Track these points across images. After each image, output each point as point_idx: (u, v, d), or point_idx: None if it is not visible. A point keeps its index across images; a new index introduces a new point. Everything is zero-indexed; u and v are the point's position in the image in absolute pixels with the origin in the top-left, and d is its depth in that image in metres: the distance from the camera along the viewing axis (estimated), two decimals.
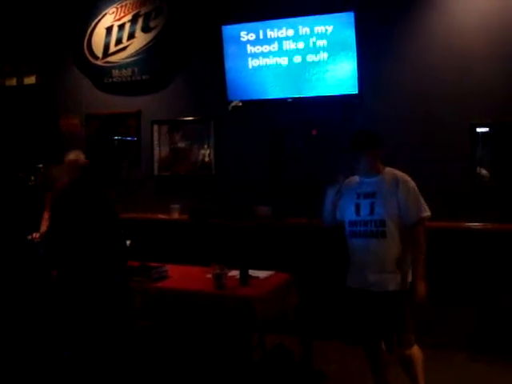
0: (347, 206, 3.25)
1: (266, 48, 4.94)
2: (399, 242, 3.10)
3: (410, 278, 3.12)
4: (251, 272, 3.59)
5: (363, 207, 3.17)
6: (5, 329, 2.03)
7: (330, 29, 4.70)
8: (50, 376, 1.65)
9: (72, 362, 1.68)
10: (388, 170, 3.23)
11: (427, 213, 3.11)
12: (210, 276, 3.46)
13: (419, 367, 3.16)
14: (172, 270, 3.80)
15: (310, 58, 4.79)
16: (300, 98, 4.88)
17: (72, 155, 4.34)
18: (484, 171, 4.50)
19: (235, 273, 3.55)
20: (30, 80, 6.36)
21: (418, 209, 3.09)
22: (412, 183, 3.14)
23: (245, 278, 3.46)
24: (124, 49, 5.66)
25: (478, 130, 4.46)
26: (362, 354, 4.25)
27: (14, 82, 6.46)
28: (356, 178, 3.31)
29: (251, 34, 4.97)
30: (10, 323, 2.36)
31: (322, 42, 4.74)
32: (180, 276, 3.76)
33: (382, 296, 3.10)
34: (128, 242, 2.93)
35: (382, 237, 3.09)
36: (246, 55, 5.01)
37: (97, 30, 5.80)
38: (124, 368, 2.09)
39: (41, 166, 5.51)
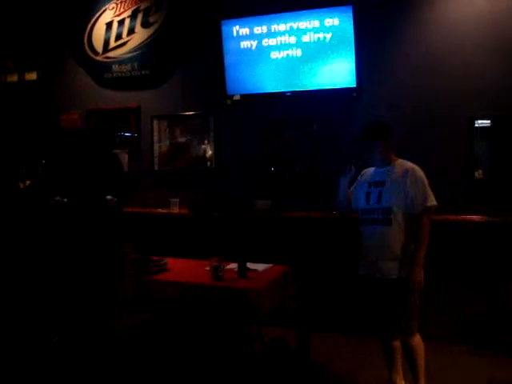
0: (360, 194, 3.37)
1: (265, 42, 4.96)
2: (404, 230, 3.17)
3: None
4: (250, 265, 3.62)
5: (372, 195, 3.27)
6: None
7: (328, 22, 4.72)
8: (40, 360, 1.65)
9: (63, 348, 1.70)
10: (400, 161, 3.31)
11: (433, 202, 3.16)
12: (208, 269, 3.50)
13: (420, 356, 3.21)
14: (172, 263, 3.83)
15: (309, 51, 4.81)
16: (298, 91, 4.90)
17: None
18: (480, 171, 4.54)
19: (234, 266, 3.59)
20: (31, 76, 6.39)
21: (425, 198, 3.14)
22: (420, 173, 3.20)
23: (243, 271, 3.49)
24: (124, 44, 5.69)
25: (476, 124, 4.47)
26: (360, 346, 4.32)
27: (15, 78, 6.50)
28: (371, 169, 3.42)
29: (250, 29, 4.99)
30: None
31: (320, 36, 4.75)
32: (179, 269, 3.80)
33: (386, 283, 3.17)
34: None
35: (387, 224, 3.17)
36: (244, 49, 5.03)
37: (97, 25, 5.83)
38: (118, 360, 2.09)
39: (43, 161, 5.54)
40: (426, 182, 3.19)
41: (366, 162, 3.44)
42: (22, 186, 4.83)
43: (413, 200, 3.15)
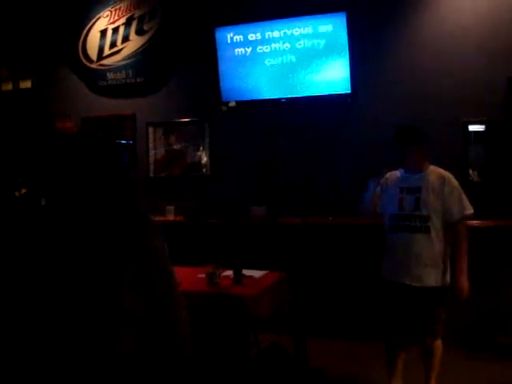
0: (389, 200, 3.31)
1: (259, 49, 4.98)
2: (442, 237, 3.17)
3: (448, 274, 3.20)
4: (246, 271, 3.61)
5: (407, 202, 3.21)
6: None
7: (322, 29, 4.74)
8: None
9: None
10: (433, 167, 3.29)
11: (470, 211, 3.18)
12: (203, 276, 3.48)
13: (438, 360, 3.28)
14: None
15: (303, 58, 4.83)
16: (293, 98, 4.92)
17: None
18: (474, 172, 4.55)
19: (230, 272, 3.58)
20: (26, 84, 6.38)
21: (462, 206, 3.15)
22: (456, 182, 3.21)
23: (238, 278, 3.48)
24: (118, 52, 5.69)
25: (470, 128, 4.49)
26: (358, 351, 4.31)
27: (10, 86, 6.49)
28: (397, 173, 3.37)
29: (244, 36, 5.01)
30: None
31: (314, 42, 4.77)
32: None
33: (423, 291, 3.15)
34: None
35: (426, 232, 3.16)
36: (239, 56, 5.04)
37: (91, 33, 5.84)
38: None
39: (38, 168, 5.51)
40: (461, 189, 3.20)
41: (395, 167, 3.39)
42: (17, 194, 4.79)
43: (451, 208, 3.15)
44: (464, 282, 3.13)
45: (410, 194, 3.22)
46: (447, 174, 3.24)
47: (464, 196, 3.18)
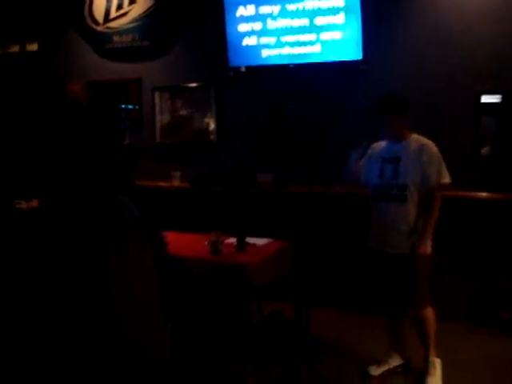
0: (372, 170, 3.33)
1: (267, 10, 4.82)
2: (419, 206, 3.18)
3: (428, 243, 3.19)
4: (249, 239, 3.59)
5: (387, 172, 3.24)
6: None
7: None
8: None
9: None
10: (415, 136, 3.27)
11: (447, 179, 3.17)
12: (206, 243, 3.47)
13: (431, 329, 3.27)
14: (170, 236, 3.77)
15: (314, 21, 4.67)
16: (303, 64, 4.79)
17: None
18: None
19: (233, 240, 3.56)
20: (32, 47, 6.30)
21: (440, 175, 3.15)
22: (435, 149, 3.19)
23: (241, 245, 3.47)
24: (125, 14, 5.57)
25: (483, 99, 4.36)
26: (359, 321, 4.31)
27: (16, 48, 6.41)
28: (382, 143, 3.38)
29: None
30: None
31: (325, 5, 4.61)
32: (178, 243, 3.74)
33: (399, 258, 3.19)
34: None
35: (403, 201, 3.18)
36: (247, 19, 4.90)
37: None
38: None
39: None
40: (441, 158, 3.18)
41: (377, 136, 3.39)
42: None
43: (428, 177, 3.14)
44: (426, 247, 3.12)
45: (390, 163, 3.24)
46: (427, 141, 3.22)
47: (443, 165, 3.17)
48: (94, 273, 1.36)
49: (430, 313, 3.27)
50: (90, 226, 1.38)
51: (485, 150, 4.43)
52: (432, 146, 3.19)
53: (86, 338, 1.36)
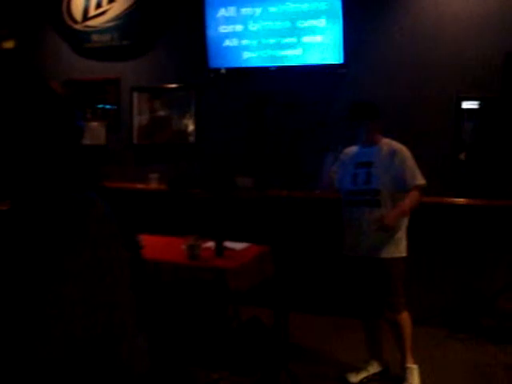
0: (345, 175, 3.32)
1: (249, 12, 4.77)
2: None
3: (402, 246, 3.20)
4: (228, 244, 3.53)
5: (360, 177, 3.22)
6: None
7: None
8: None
9: None
10: (386, 140, 3.28)
11: (422, 181, 3.15)
12: (184, 247, 3.40)
13: (407, 333, 3.25)
14: (147, 240, 3.69)
15: (295, 24, 4.64)
16: (284, 66, 4.76)
17: None
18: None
19: (212, 244, 3.50)
20: (9, 45, 6.15)
21: (413, 177, 3.13)
22: (408, 153, 3.19)
23: (220, 250, 3.41)
24: (104, 13, 5.47)
25: (464, 105, 4.38)
26: (338, 326, 4.29)
27: None
28: (354, 148, 3.37)
29: None
30: None
31: (306, 8, 4.58)
32: (154, 246, 3.68)
33: (375, 262, 3.18)
34: None
35: (376, 206, 3.15)
36: (228, 20, 4.85)
37: None
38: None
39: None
40: (413, 161, 3.18)
41: (351, 141, 3.39)
42: None
43: (401, 180, 3.13)
44: (392, 217, 3.05)
45: (363, 168, 3.23)
46: (399, 145, 3.23)
47: (416, 167, 3.16)
48: (45, 282, 1.23)
49: (406, 317, 3.26)
50: (49, 230, 1.27)
51: (462, 156, 4.45)
52: (404, 150, 3.19)
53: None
